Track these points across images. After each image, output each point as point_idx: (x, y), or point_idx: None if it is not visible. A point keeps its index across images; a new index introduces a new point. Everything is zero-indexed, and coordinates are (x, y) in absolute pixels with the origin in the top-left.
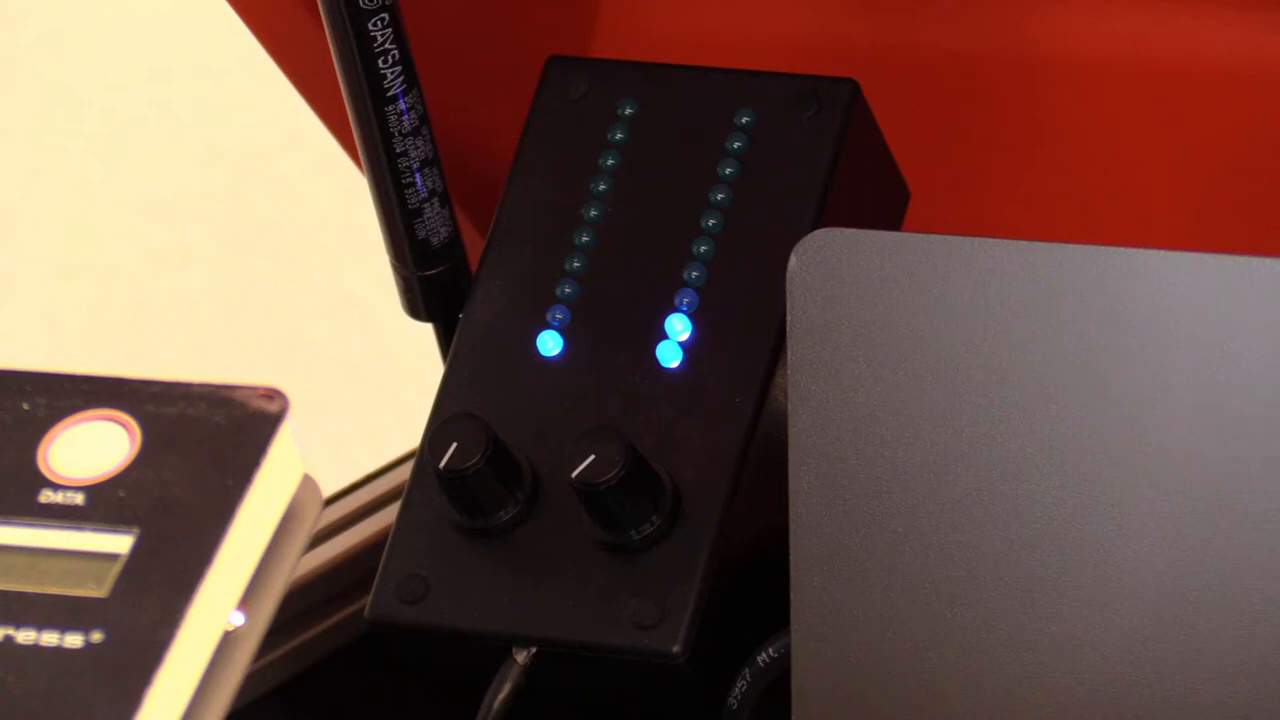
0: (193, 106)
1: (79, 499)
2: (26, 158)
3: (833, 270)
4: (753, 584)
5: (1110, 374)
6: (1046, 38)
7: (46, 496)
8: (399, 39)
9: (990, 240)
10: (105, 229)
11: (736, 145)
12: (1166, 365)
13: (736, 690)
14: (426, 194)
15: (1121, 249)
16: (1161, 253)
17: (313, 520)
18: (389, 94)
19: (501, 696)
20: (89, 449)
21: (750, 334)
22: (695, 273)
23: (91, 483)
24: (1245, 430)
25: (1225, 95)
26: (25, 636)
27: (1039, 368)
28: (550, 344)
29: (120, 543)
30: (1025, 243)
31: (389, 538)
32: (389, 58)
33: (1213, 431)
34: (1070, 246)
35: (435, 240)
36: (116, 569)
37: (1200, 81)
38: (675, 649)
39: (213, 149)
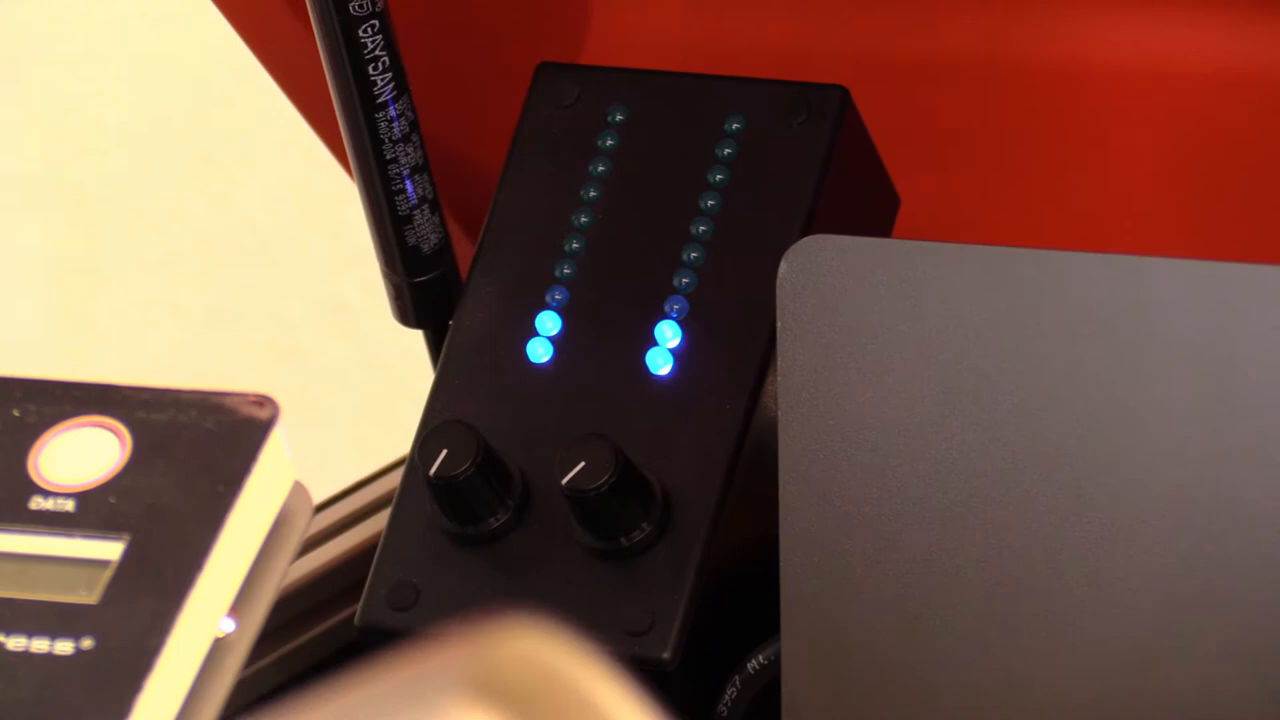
0: (182, 112)
1: (69, 505)
2: (15, 164)
3: (823, 277)
4: (743, 591)
5: (1101, 381)
6: (1037, 44)
7: (37, 503)
8: (389, 45)
9: (981, 247)
10: (94, 236)
11: (727, 152)
12: (1158, 372)
13: (726, 697)
14: (417, 200)
15: (1112, 255)
16: (1152, 259)
17: (303, 527)
18: (379, 100)
19: None
20: (79, 456)
21: (740, 341)
22: (685, 279)
23: (82, 489)
24: (1236, 437)
25: (1217, 101)
26: (15, 643)
27: (1030, 375)
28: (540, 351)
29: (111, 549)
30: (1016, 249)
31: (379, 544)
32: (379, 64)
33: (1204, 439)
34: (1061, 253)
35: (426, 247)
36: (107, 575)
37: (1192, 87)
38: (665, 656)
39: (202, 154)
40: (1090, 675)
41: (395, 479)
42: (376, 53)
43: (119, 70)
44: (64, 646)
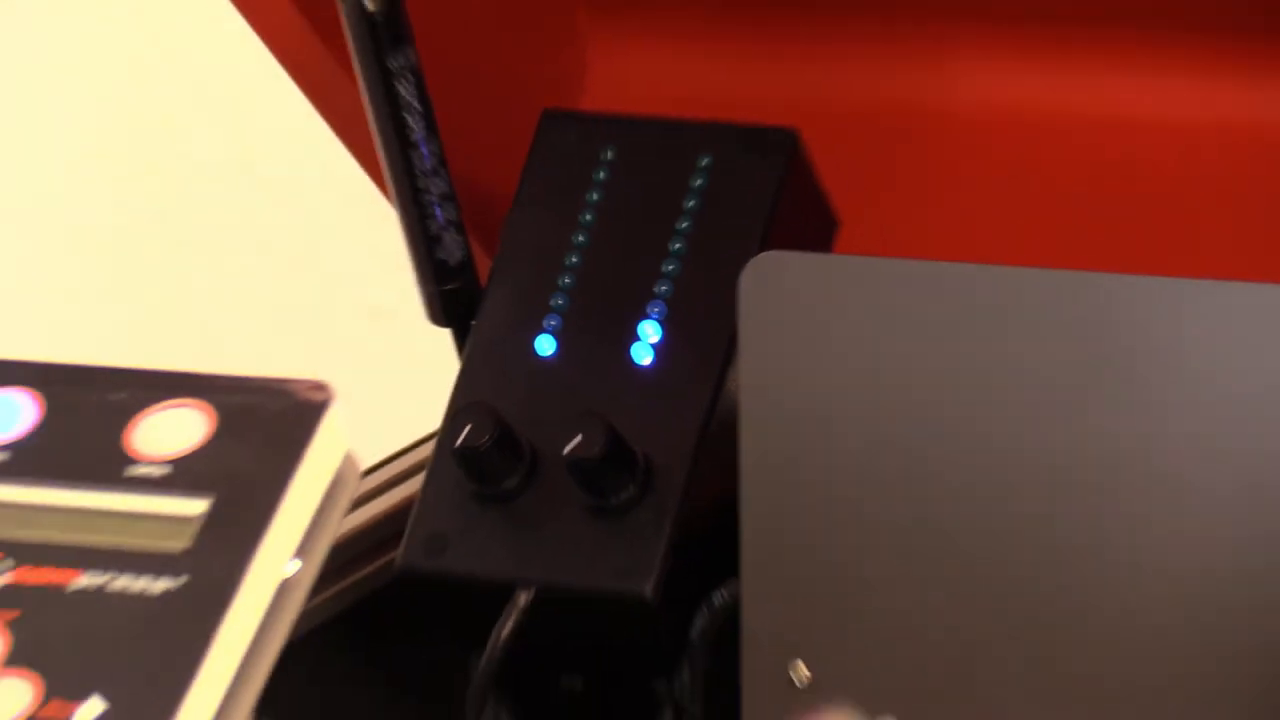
0: (258, 154)
1: (164, 471)
2: (89, 178)
3: (775, 286)
4: (710, 539)
5: (1019, 373)
6: (956, 91)
7: (139, 470)
8: (421, 95)
9: (907, 261)
10: (179, 253)
11: (698, 183)
12: (1067, 367)
13: (697, 625)
14: (444, 223)
15: (1036, 270)
16: (1046, 271)
17: (353, 488)
18: (413, 140)
19: (507, 630)
20: (172, 430)
21: (709, 338)
22: (664, 287)
23: (176, 457)
24: (1126, 419)
25: (1121, 140)
26: (121, 583)
27: (944, 366)
28: (546, 345)
29: (199, 506)
30: (937, 263)
31: (415, 502)
32: (413, 110)
33: (1121, 430)
34: (974, 266)
35: (452, 261)
36: (196, 527)
37: (1095, 128)
38: (647, 592)
39: (266, 188)
40: (1001, 591)
41: (427, 449)
42: (410, 101)
43: (196, 108)
44: (160, 585)
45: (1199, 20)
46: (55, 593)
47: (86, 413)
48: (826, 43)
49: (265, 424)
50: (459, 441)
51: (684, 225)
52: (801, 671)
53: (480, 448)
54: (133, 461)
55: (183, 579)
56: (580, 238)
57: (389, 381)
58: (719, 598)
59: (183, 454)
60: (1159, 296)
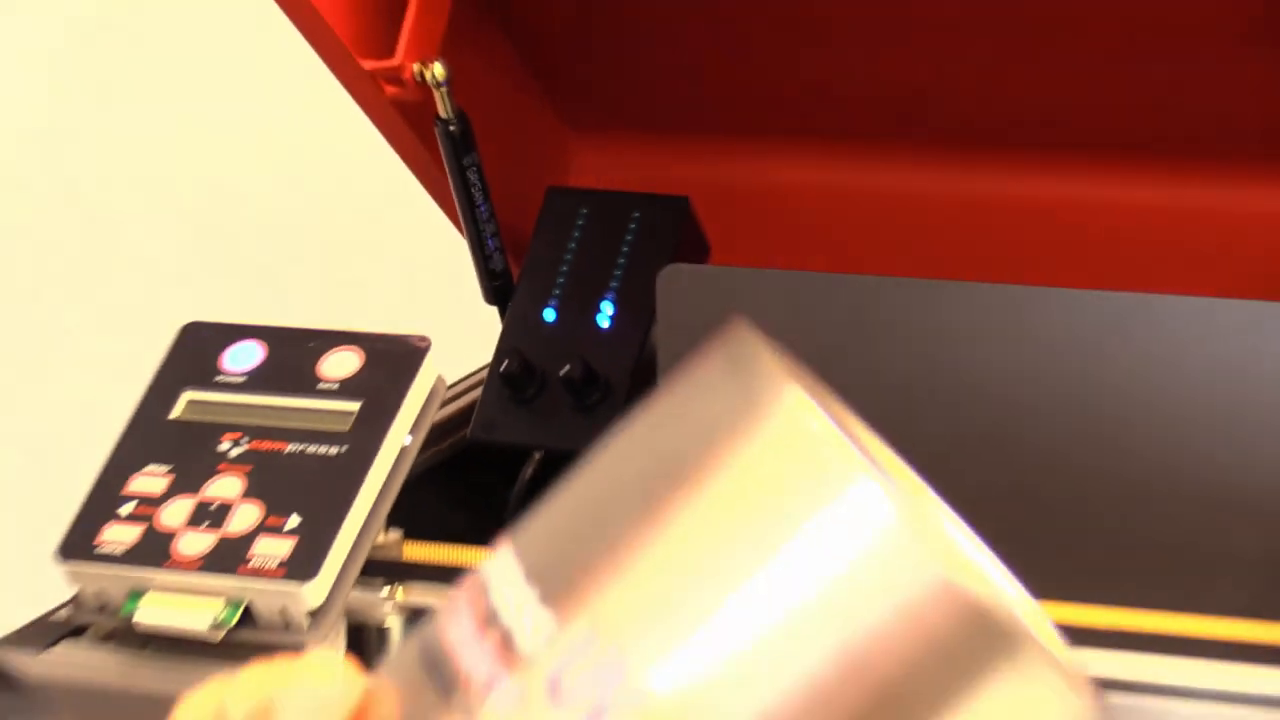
0: (396, 210)
1: (336, 387)
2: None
3: (678, 284)
4: None
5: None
6: (787, 175)
7: (322, 386)
8: (481, 178)
9: (754, 269)
10: (351, 265)
11: (633, 227)
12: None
13: None
14: (494, 248)
15: (861, 276)
16: (875, 279)
17: (441, 394)
18: (476, 203)
19: (528, 474)
20: (341, 364)
21: (640, 312)
22: (614, 284)
23: (342, 379)
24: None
25: (910, 213)
26: (312, 449)
27: (786, 323)
28: (550, 316)
29: (354, 406)
30: (787, 272)
31: (477, 402)
32: (476, 187)
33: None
34: (818, 275)
35: (498, 269)
36: (353, 418)
37: (883, 202)
38: None
39: (397, 230)
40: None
41: (484, 373)
42: (475, 181)
43: (364, 183)
44: (333, 451)
45: (974, 118)
46: (273, 455)
47: (293, 354)
48: (708, 155)
49: (392, 360)
50: (502, 368)
51: (625, 250)
52: None
53: (513, 372)
54: (319, 381)
55: (345, 447)
56: (568, 256)
57: (464, 335)
58: None
59: (346, 377)
60: (940, 295)
